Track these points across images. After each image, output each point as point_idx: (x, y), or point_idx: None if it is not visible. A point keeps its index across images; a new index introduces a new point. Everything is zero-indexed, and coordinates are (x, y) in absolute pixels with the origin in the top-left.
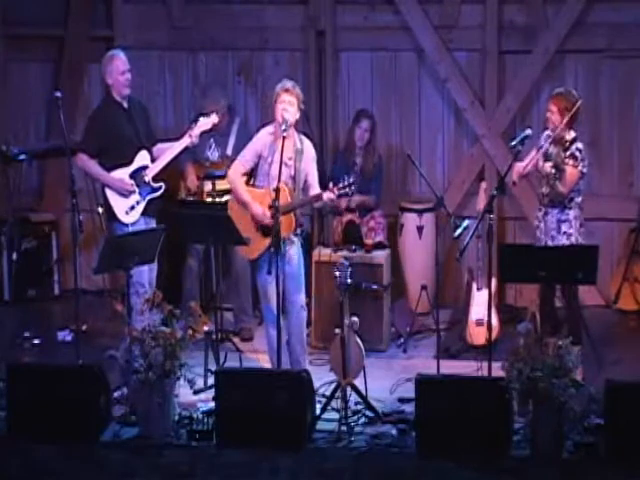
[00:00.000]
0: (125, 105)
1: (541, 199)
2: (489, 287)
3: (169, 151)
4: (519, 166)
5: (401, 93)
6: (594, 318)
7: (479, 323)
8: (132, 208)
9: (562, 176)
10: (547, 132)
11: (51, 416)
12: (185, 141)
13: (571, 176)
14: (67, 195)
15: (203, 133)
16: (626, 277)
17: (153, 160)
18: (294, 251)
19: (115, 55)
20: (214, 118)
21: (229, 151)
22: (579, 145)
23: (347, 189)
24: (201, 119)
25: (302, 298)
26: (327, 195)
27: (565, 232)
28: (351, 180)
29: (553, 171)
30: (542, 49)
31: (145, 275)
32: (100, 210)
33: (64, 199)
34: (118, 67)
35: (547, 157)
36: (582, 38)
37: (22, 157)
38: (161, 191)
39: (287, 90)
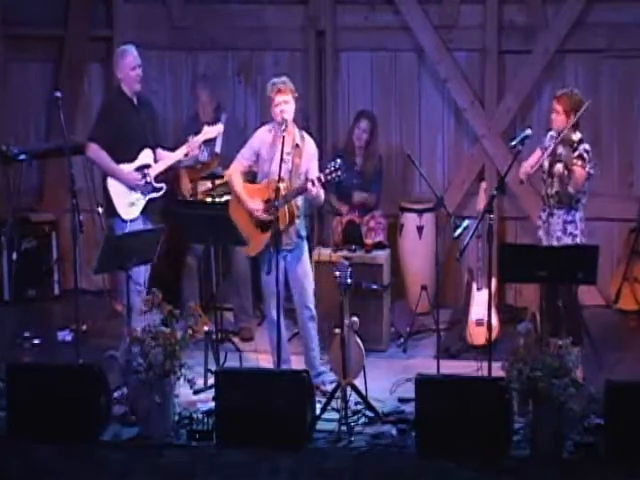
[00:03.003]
0: (135, 101)
1: (546, 200)
2: (489, 287)
3: (172, 155)
4: (526, 165)
5: (401, 93)
6: (594, 318)
7: (479, 323)
8: (132, 205)
9: (571, 177)
10: (552, 132)
11: (51, 416)
12: (183, 151)
13: (580, 177)
14: (67, 195)
15: (207, 141)
16: (626, 277)
17: (156, 161)
18: (297, 254)
19: (127, 50)
20: (220, 127)
21: (217, 149)
22: (586, 146)
23: (334, 174)
24: (206, 127)
25: (308, 307)
26: (316, 180)
27: (571, 233)
28: (337, 165)
29: (566, 172)
30: (542, 49)
31: (142, 275)
32: (100, 210)
33: (64, 199)
34: (130, 62)
35: (557, 158)
36: (582, 38)
37: (22, 157)
38: (162, 192)
39: (280, 91)
